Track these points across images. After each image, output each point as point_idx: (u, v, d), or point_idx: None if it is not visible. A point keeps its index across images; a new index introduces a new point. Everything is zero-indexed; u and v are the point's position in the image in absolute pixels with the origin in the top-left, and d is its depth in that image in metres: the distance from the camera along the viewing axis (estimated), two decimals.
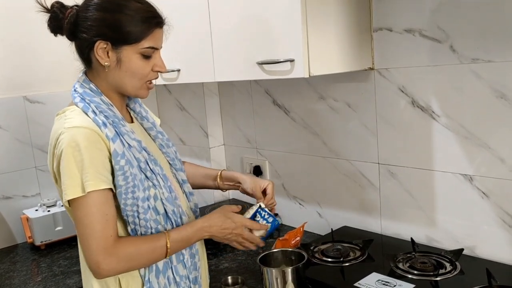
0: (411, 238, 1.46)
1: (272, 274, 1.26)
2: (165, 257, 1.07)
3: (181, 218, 1.14)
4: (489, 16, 1.25)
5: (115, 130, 1.04)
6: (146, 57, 1.08)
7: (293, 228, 1.81)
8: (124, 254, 1.02)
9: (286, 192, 1.93)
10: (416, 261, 1.35)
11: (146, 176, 1.08)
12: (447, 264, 1.34)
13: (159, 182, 1.10)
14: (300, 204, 1.88)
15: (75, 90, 1.09)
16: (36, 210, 1.89)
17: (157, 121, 1.29)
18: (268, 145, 1.96)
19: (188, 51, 1.67)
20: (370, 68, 1.51)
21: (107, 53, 1.05)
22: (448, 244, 1.45)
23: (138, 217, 1.05)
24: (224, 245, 1.74)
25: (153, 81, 1.16)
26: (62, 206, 1.90)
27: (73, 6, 1.07)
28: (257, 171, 2.00)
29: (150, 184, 1.08)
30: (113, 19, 1.03)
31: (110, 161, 1.02)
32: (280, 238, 1.50)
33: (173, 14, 1.65)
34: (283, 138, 1.88)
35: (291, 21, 1.28)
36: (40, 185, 2.02)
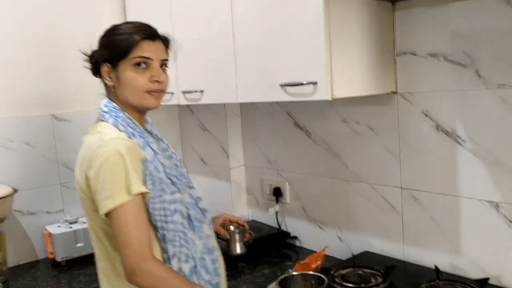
0: (435, 266, 1.43)
1: None
2: None
3: (201, 225, 1.19)
4: None
5: (143, 140, 1.13)
6: (140, 68, 1.14)
7: (312, 251, 1.79)
8: (161, 273, 1.04)
9: (306, 215, 1.91)
10: None
11: (172, 181, 1.14)
12: None
13: (183, 188, 1.17)
14: (320, 227, 1.86)
15: (102, 110, 1.18)
16: (59, 226, 1.92)
17: None
18: (289, 167, 1.95)
19: (212, 73, 1.70)
20: (393, 92, 1.50)
21: (109, 74, 1.16)
22: (473, 272, 1.40)
23: (166, 220, 1.10)
24: (243, 266, 1.73)
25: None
26: (84, 223, 1.93)
27: None
28: (277, 193, 1.99)
29: (175, 189, 1.15)
30: (107, 41, 1.16)
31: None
32: (301, 262, 1.48)
33: (197, 35, 1.70)
34: (304, 160, 1.88)
35: (314, 43, 1.29)
36: (64, 202, 2.05)
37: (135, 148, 1.08)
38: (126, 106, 1.17)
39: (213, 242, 1.23)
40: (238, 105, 2.15)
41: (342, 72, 1.32)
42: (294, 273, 1.40)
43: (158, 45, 1.16)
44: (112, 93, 1.18)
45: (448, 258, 1.47)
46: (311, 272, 1.40)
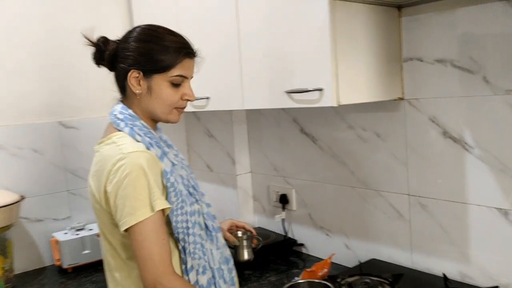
0: (443, 274, 1.41)
1: None
2: None
3: (217, 235, 1.19)
4: None
5: (161, 150, 1.11)
6: (175, 85, 1.13)
7: (319, 258, 1.78)
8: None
9: (312, 222, 1.90)
10: None
11: (189, 192, 1.14)
12: None
13: (200, 198, 1.16)
14: (327, 234, 1.85)
15: (116, 117, 1.13)
16: (65, 233, 1.93)
17: None
18: (295, 174, 1.95)
19: (218, 80, 1.70)
20: (400, 98, 1.50)
21: (139, 81, 1.12)
22: (482, 281, 1.38)
23: (187, 233, 1.09)
24: (249, 274, 1.72)
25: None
26: (90, 229, 1.94)
27: (115, 40, 1.16)
28: (284, 200, 1.98)
29: (193, 200, 1.14)
30: (146, 49, 1.11)
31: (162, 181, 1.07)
32: (308, 270, 1.47)
33: (203, 42, 1.71)
34: (311, 167, 1.87)
35: (320, 50, 1.29)
36: (71, 209, 2.06)
37: (155, 161, 1.06)
38: (145, 114, 1.15)
39: (229, 251, 1.23)
40: (244, 112, 2.15)
41: (348, 78, 1.32)
42: (300, 280, 1.39)
43: (193, 63, 1.16)
44: (134, 99, 1.14)
45: (456, 266, 1.45)
46: (317, 280, 1.39)
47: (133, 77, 1.11)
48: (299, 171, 1.93)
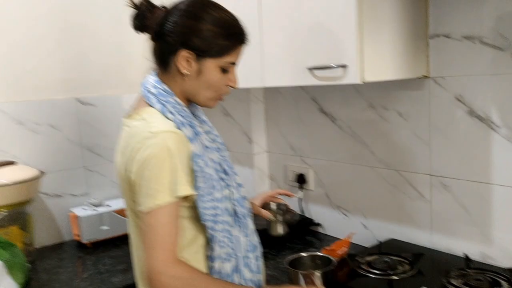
0: (465, 254, 1.40)
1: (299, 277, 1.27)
2: None
3: (246, 221, 1.15)
4: None
5: (193, 131, 1.05)
6: (224, 71, 1.08)
7: (336, 238, 1.78)
8: (185, 275, 0.99)
9: (329, 202, 1.89)
10: (470, 278, 1.29)
11: (220, 177, 1.08)
12: (504, 283, 1.26)
13: (232, 183, 1.11)
14: (344, 214, 1.84)
15: (148, 91, 1.07)
16: (84, 208, 1.94)
17: None
18: (313, 153, 1.93)
19: None
20: (424, 76, 1.46)
21: (190, 62, 1.05)
22: (505, 262, 1.37)
23: (216, 220, 1.05)
24: (265, 252, 1.71)
25: None
26: (108, 206, 1.95)
27: (161, 6, 1.07)
28: (301, 180, 1.98)
29: (224, 184, 1.09)
30: (202, 29, 1.03)
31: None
32: (327, 248, 1.47)
33: None
34: (329, 147, 1.85)
35: (346, 26, 1.26)
36: (88, 185, 2.07)
37: (183, 142, 1.00)
38: (183, 94, 1.08)
39: (257, 238, 1.19)
40: (262, 90, 2.13)
41: (373, 55, 1.29)
42: (304, 254, 1.42)
43: (243, 49, 1.10)
44: (177, 78, 1.07)
45: (478, 247, 1.43)
46: (319, 253, 1.41)
47: (184, 56, 1.03)
48: (317, 150, 1.91)
